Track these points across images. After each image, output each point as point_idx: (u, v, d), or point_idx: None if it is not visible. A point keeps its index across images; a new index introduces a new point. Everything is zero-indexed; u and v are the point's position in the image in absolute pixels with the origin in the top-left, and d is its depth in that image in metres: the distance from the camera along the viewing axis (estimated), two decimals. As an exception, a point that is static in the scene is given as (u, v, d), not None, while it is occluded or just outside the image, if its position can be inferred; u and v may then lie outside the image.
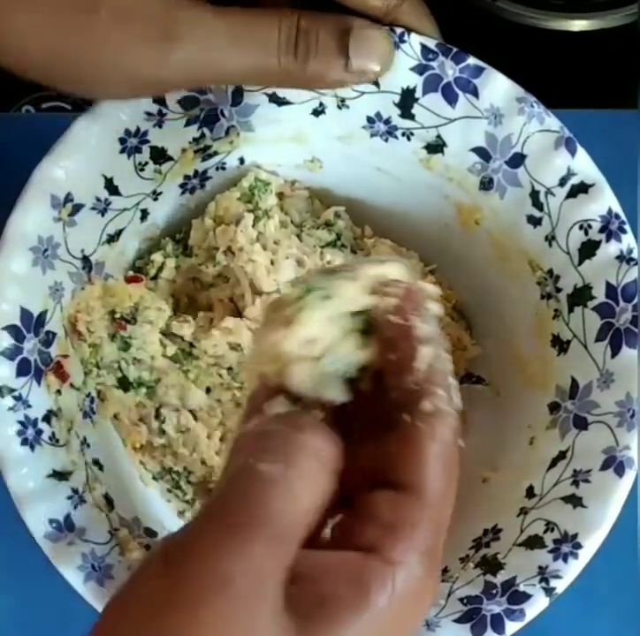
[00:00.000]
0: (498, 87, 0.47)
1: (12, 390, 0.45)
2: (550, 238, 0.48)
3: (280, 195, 0.54)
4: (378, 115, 0.49)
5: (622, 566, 0.53)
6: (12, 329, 0.45)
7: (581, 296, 0.47)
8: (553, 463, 0.47)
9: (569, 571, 0.44)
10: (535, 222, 0.48)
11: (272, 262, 0.51)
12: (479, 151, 0.48)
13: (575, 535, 0.44)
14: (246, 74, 0.43)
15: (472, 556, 0.47)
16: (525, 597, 0.44)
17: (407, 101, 0.48)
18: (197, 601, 0.29)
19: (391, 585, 0.31)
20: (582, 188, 0.47)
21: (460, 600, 0.45)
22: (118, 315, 0.50)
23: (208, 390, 0.52)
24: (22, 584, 0.55)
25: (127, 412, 0.52)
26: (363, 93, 0.48)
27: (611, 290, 0.46)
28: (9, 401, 0.44)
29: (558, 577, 0.44)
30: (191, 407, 0.52)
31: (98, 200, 0.48)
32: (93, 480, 0.47)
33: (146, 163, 0.49)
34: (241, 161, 0.52)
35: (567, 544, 0.44)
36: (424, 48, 0.46)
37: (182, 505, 0.53)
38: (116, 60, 0.40)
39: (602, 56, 0.63)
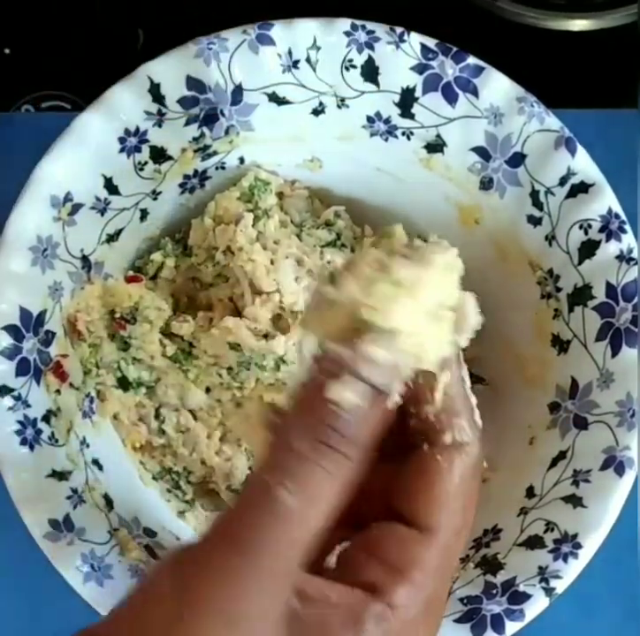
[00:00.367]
0: (498, 87, 0.47)
1: (12, 390, 0.45)
2: (550, 238, 0.48)
3: (280, 195, 0.54)
4: (378, 114, 0.49)
5: (622, 566, 0.53)
6: (12, 329, 0.45)
7: (581, 296, 0.47)
8: (553, 463, 0.47)
9: (569, 571, 0.44)
10: (535, 221, 0.48)
11: (272, 262, 0.51)
12: (479, 151, 0.48)
13: (575, 535, 0.44)
14: None
15: (472, 556, 0.47)
16: (525, 597, 0.44)
17: (406, 100, 0.48)
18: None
19: (388, 627, 0.31)
20: (582, 188, 0.47)
21: (461, 600, 0.45)
22: (117, 315, 0.50)
23: (207, 390, 0.52)
24: (22, 584, 0.55)
25: (127, 412, 0.52)
26: (363, 92, 0.48)
27: (611, 289, 0.46)
28: (8, 401, 0.44)
29: (558, 577, 0.44)
30: (191, 407, 0.52)
31: (98, 199, 0.48)
32: (92, 481, 0.47)
33: (145, 163, 0.49)
34: (241, 160, 0.52)
35: (567, 544, 0.44)
36: (424, 47, 0.46)
37: (182, 505, 0.53)
38: None
39: (602, 55, 0.63)
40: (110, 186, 0.48)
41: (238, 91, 0.48)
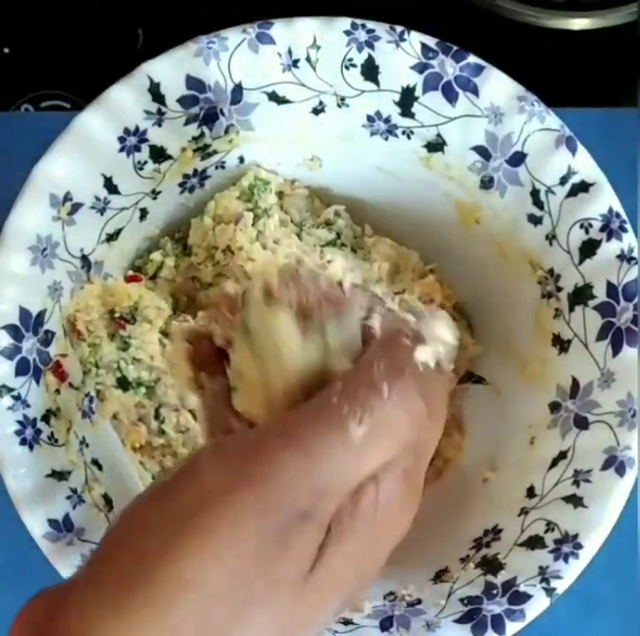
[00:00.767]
0: (498, 86, 0.47)
1: (11, 390, 0.45)
2: (550, 237, 0.48)
3: (280, 194, 0.54)
4: (378, 113, 0.49)
5: (623, 566, 0.53)
6: (11, 329, 0.45)
7: (581, 295, 0.47)
8: (554, 463, 0.47)
9: (570, 572, 0.44)
10: (535, 221, 0.48)
11: (272, 262, 0.51)
12: (479, 150, 0.48)
13: (576, 535, 0.44)
14: None
15: (472, 556, 0.47)
16: (526, 597, 0.44)
17: (407, 99, 0.48)
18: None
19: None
20: (582, 187, 0.47)
21: (461, 600, 0.45)
22: (117, 315, 0.50)
23: (207, 390, 0.52)
24: (21, 584, 0.54)
25: (126, 412, 0.52)
26: (363, 91, 0.48)
27: (612, 289, 0.46)
28: (8, 401, 0.44)
29: (558, 577, 0.44)
30: (190, 407, 0.52)
31: (97, 199, 0.48)
32: (92, 480, 0.47)
33: (145, 162, 0.49)
34: (241, 159, 0.52)
35: (567, 544, 0.44)
36: (424, 46, 0.46)
37: (182, 505, 0.52)
38: None
39: (602, 54, 0.63)
40: (110, 186, 0.48)
41: (238, 90, 0.48)
